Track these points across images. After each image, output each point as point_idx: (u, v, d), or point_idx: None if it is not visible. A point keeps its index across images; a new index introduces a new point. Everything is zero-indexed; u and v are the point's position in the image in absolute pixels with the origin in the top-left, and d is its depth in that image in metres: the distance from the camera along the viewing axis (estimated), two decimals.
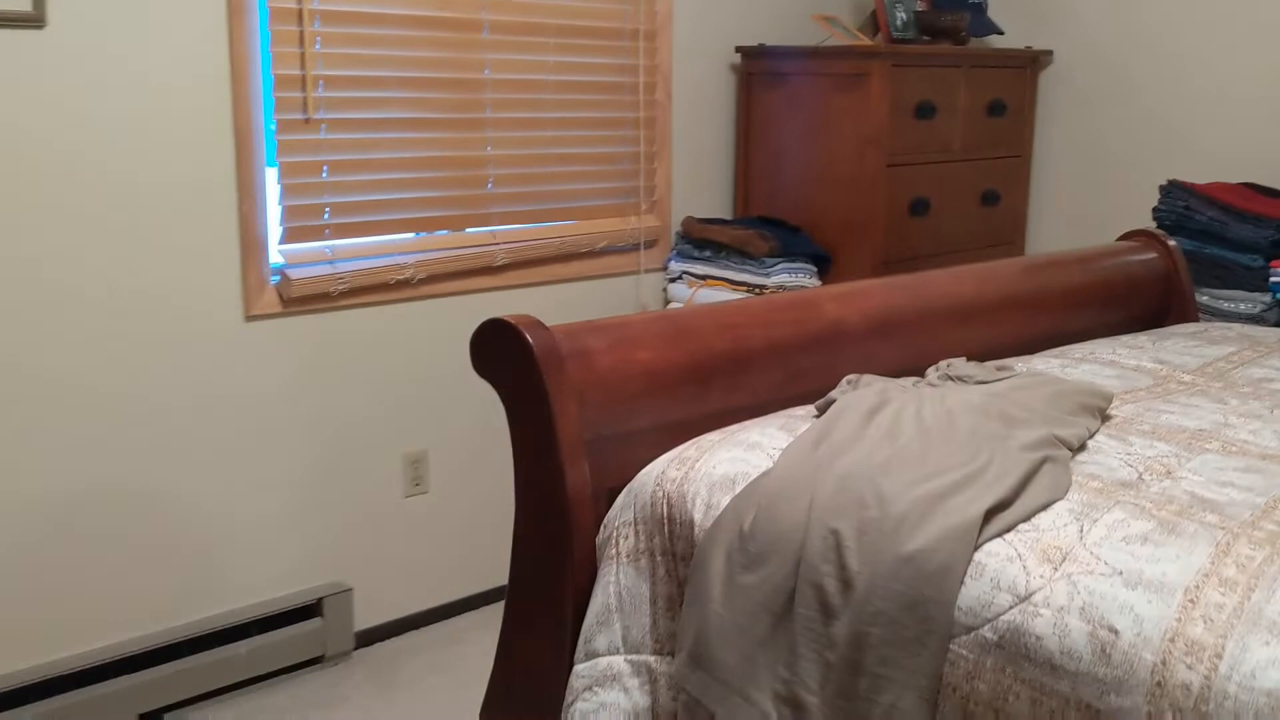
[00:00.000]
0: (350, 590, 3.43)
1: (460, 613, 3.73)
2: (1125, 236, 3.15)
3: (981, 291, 2.61)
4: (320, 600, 3.37)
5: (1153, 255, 3.05)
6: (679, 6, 3.96)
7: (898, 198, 3.96)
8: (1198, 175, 3.89)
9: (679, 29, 3.99)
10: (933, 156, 4.05)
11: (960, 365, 2.13)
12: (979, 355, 2.52)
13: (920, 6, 4.24)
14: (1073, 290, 2.81)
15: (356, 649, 3.48)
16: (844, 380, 2.08)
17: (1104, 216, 4.30)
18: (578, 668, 1.88)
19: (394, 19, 3.29)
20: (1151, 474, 1.78)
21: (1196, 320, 3.08)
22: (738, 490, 1.79)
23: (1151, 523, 1.57)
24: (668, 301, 4.07)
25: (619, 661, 1.85)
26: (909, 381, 2.11)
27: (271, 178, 3.15)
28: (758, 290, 3.83)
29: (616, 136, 3.89)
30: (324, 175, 3.21)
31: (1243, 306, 3.45)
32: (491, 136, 3.56)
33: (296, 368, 3.26)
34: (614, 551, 1.89)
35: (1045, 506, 1.62)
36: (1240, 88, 3.94)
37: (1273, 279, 3.37)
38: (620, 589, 1.87)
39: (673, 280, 4.06)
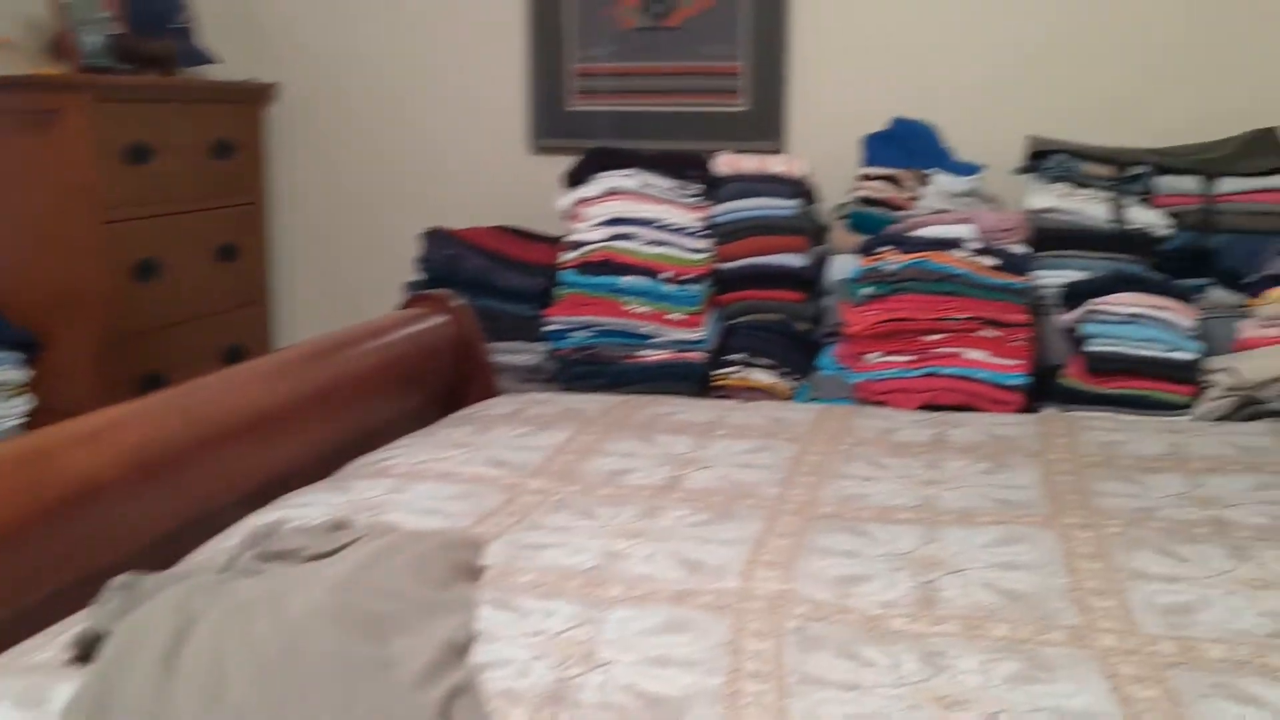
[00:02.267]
0: None
1: None
2: (412, 301, 2.73)
3: (273, 395, 2.03)
4: None
5: (443, 319, 2.66)
6: None
7: (120, 260, 3.21)
8: (447, 219, 3.56)
9: None
10: (157, 209, 3.34)
11: (284, 533, 1.53)
12: (284, 477, 1.96)
13: (116, 30, 3.48)
14: (370, 375, 2.33)
15: None
16: (110, 588, 1.38)
17: (357, 269, 3.89)
18: None
19: None
20: (574, 664, 1.34)
21: (496, 388, 2.75)
22: None
23: None
24: None
25: None
26: (214, 567, 1.47)
27: None
28: None
29: None
30: None
31: (521, 358, 3.22)
32: None
33: None
34: None
35: None
36: (486, 123, 3.73)
37: (547, 327, 3.17)
38: None
39: None
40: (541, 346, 3.21)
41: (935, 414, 2.43)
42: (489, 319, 3.10)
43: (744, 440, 2.18)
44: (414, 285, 3.31)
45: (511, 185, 3.72)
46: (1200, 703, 1.26)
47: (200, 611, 1.29)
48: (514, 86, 3.68)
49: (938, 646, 1.39)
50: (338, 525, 1.57)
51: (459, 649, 1.31)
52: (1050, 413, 2.66)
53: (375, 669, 1.21)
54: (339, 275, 3.92)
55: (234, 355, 3.64)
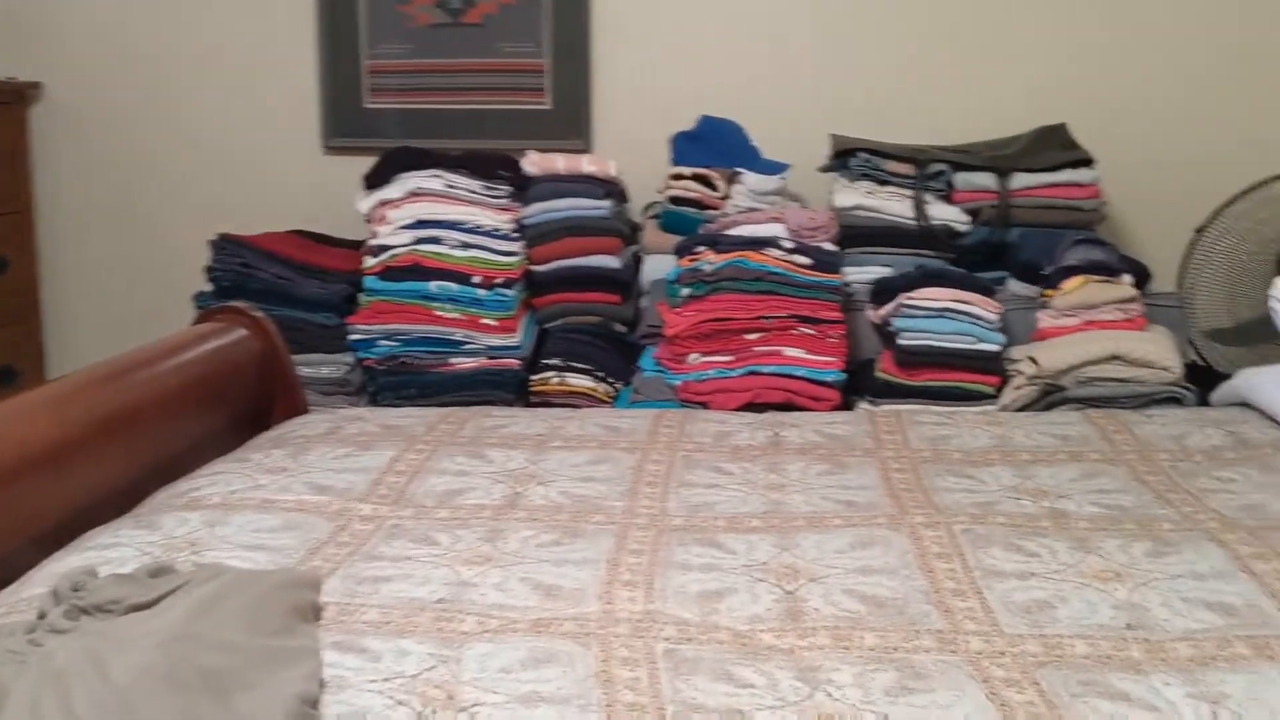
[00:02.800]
0: None
1: None
2: (210, 314, 2.55)
3: (64, 424, 1.84)
4: None
5: (243, 333, 2.49)
6: None
7: None
8: (235, 224, 3.32)
9: None
10: None
11: (98, 583, 1.37)
12: (83, 513, 1.78)
13: None
14: (171, 397, 2.14)
15: None
16: None
17: (138, 282, 3.63)
18: None
19: None
20: (438, 709, 1.24)
21: (305, 404, 2.59)
22: None
23: None
24: None
25: None
26: (19, 627, 1.30)
27: None
28: None
29: None
30: None
31: (325, 370, 3.06)
32: None
33: None
34: None
35: None
36: (275, 123, 3.54)
37: (352, 337, 3.02)
38: None
39: None
40: (345, 358, 3.06)
41: (767, 415, 2.42)
42: (288, 330, 2.91)
43: (581, 452, 2.11)
44: (203, 297, 3.11)
45: (304, 188, 3.55)
46: (1075, 703, 1.27)
47: (8, 684, 1.13)
48: (304, 84, 3.50)
49: (812, 661, 1.36)
50: (158, 570, 1.42)
51: (312, 702, 1.19)
52: (866, 407, 2.70)
53: None
54: (118, 289, 3.65)
55: (3, 377, 3.35)
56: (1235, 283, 2.97)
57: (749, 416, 2.40)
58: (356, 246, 3.21)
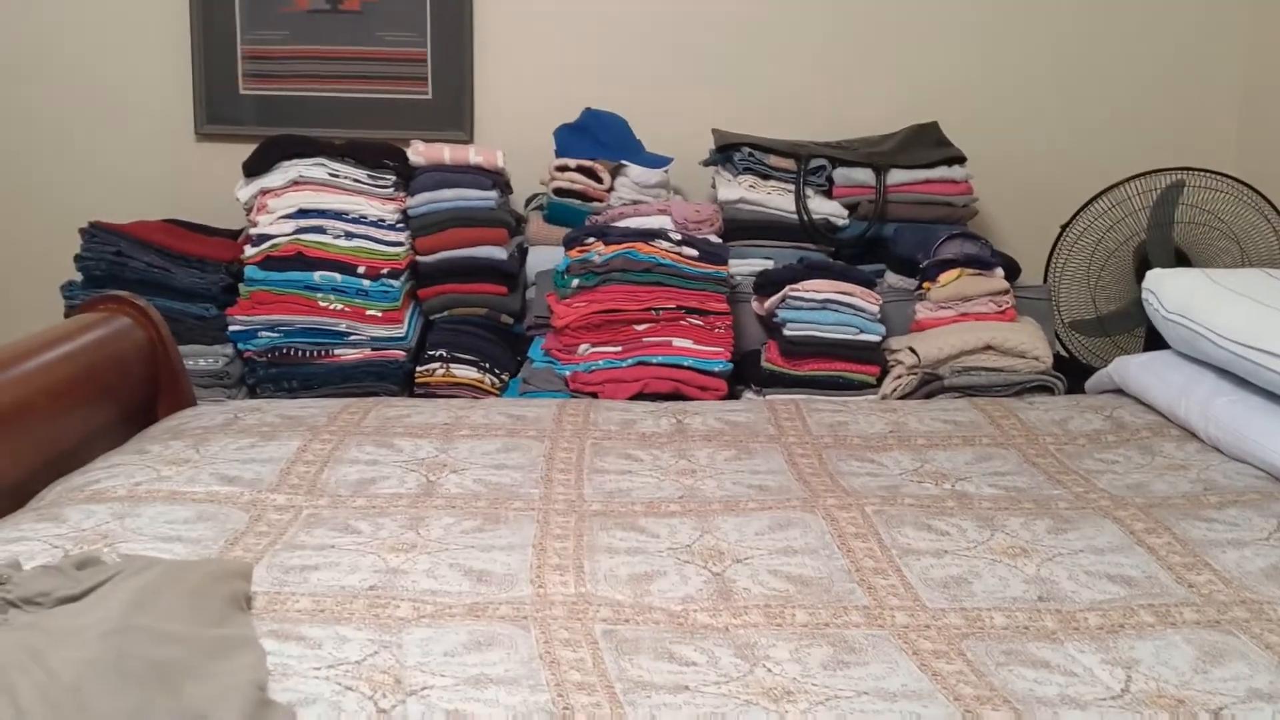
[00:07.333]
0: None
1: None
2: (90, 304, 2.46)
3: None
4: None
5: (127, 323, 2.41)
6: None
7: None
8: (103, 213, 3.15)
9: None
10: None
11: (24, 575, 1.31)
12: None
13: None
14: (62, 389, 2.06)
15: None
16: None
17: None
18: None
19: None
20: (387, 694, 1.23)
21: (193, 395, 2.53)
22: None
23: None
24: None
25: None
26: None
27: None
28: None
29: None
30: None
31: (204, 363, 2.97)
32: None
33: None
34: None
35: None
36: (145, 108, 3.42)
37: (231, 328, 2.95)
38: None
39: None
40: (224, 349, 2.99)
41: (668, 403, 2.45)
42: (167, 321, 2.84)
43: (489, 440, 2.11)
44: (71, 288, 3.00)
45: (176, 176, 3.46)
46: (1000, 671, 1.33)
47: None
48: (177, 69, 3.39)
49: (748, 638, 1.40)
50: (84, 561, 1.37)
51: (265, 689, 1.17)
52: (752, 397, 2.75)
53: None
54: None
55: None
56: (1097, 277, 3.13)
57: (651, 405, 2.43)
58: (234, 236, 3.14)
